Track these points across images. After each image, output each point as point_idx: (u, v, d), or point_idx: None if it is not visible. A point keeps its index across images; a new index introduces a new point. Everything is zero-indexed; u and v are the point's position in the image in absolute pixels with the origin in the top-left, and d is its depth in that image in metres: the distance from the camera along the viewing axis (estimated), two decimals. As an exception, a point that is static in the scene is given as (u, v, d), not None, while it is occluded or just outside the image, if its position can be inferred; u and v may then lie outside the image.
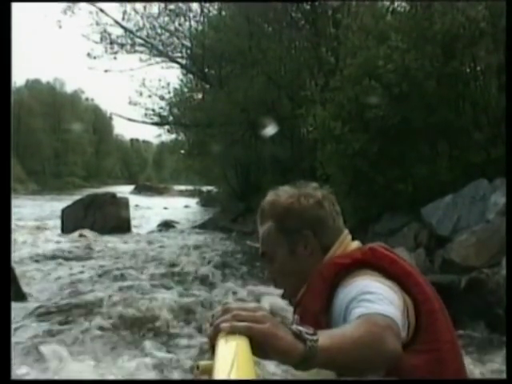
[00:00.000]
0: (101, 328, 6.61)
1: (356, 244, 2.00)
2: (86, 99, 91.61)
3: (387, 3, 12.49)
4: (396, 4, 12.53)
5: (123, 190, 41.17)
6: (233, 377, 1.01)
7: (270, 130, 12.15)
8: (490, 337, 5.75)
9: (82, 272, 10.65)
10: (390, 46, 9.86)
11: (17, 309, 7.37)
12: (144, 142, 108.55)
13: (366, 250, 1.90)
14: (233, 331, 1.22)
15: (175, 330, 6.75)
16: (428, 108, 9.98)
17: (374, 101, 9.83)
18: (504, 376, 4.34)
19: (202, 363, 1.21)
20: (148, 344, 6.15)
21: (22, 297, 8.19)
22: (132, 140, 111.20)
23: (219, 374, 1.03)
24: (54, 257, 12.45)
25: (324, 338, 1.33)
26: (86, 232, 17.04)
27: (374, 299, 1.63)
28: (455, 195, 9.16)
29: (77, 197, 21.49)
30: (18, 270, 9.17)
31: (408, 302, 1.77)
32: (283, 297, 2.13)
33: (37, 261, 11.90)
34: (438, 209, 9.09)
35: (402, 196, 10.00)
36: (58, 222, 19.24)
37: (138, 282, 9.42)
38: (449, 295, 6.48)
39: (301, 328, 1.30)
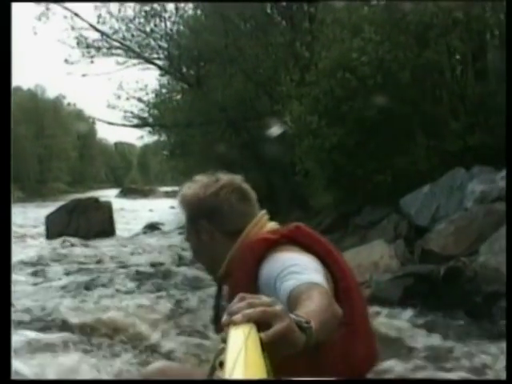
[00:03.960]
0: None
1: (273, 224, 2.17)
2: (68, 104, 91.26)
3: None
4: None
5: (109, 194, 41.08)
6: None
7: (276, 130, 12.07)
8: (470, 325, 5.74)
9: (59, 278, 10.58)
10: (364, 38, 9.86)
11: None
12: (128, 144, 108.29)
13: (292, 228, 2.06)
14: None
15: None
16: (404, 99, 9.99)
17: (350, 93, 9.85)
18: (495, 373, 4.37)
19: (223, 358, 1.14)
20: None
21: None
22: (116, 143, 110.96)
23: (233, 366, 0.99)
24: (35, 264, 12.35)
25: (312, 321, 1.35)
26: (70, 238, 16.95)
27: (301, 270, 1.75)
28: (433, 185, 9.17)
29: (61, 203, 21.35)
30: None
31: (328, 278, 1.87)
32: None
33: (19, 269, 11.79)
34: (417, 199, 9.10)
35: (381, 188, 10.01)
36: (43, 229, 19.13)
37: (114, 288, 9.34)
38: (428, 285, 6.52)
39: (299, 318, 1.32)
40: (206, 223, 2.17)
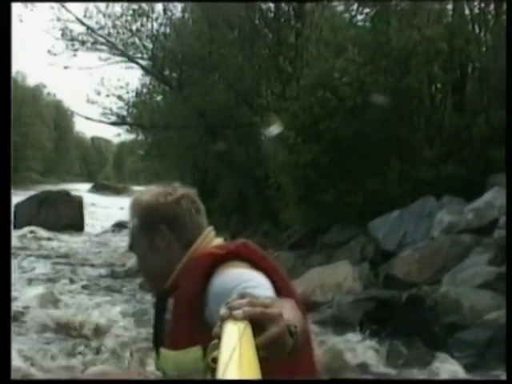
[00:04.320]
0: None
1: (219, 240, 2.15)
2: (48, 94, 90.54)
3: (347, 16, 12.58)
4: (357, 17, 12.66)
5: (81, 188, 40.82)
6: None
7: (274, 129, 12.06)
8: (422, 354, 5.78)
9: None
10: (347, 58, 9.92)
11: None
12: (105, 140, 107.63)
13: (239, 244, 2.04)
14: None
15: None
16: (381, 122, 10.06)
17: (328, 112, 9.89)
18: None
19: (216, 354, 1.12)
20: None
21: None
22: (93, 138, 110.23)
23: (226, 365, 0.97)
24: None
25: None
26: (37, 229, 16.82)
27: (257, 285, 1.75)
28: (402, 211, 9.24)
29: (32, 192, 21.22)
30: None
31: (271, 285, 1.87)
32: (147, 286, 2.31)
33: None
34: (385, 223, 9.16)
35: (351, 208, 10.05)
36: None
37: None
38: (389, 310, 6.57)
39: (290, 323, 1.30)
40: (166, 229, 2.13)
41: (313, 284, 7.72)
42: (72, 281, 9.61)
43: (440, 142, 10.35)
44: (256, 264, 1.98)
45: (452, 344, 5.65)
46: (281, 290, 1.94)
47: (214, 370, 1.03)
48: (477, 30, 10.92)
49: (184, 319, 2.00)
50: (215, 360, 1.08)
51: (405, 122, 10.61)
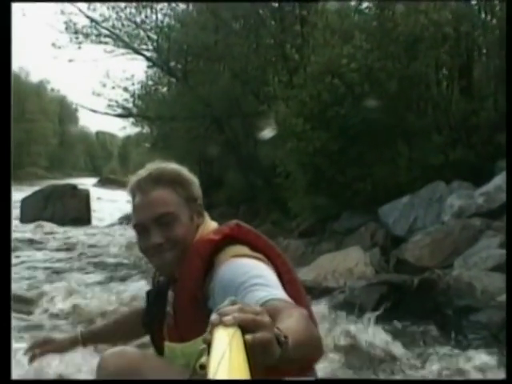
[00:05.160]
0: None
1: (215, 223, 2.15)
2: (52, 90, 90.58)
3: (353, 3, 12.53)
4: (363, 4, 12.60)
5: (87, 182, 40.79)
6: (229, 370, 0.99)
7: (268, 132, 12.05)
8: (439, 335, 5.78)
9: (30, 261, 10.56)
10: (354, 45, 9.89)
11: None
12: (109, 134, 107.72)
13: (233, 226, 2.05)
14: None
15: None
16: (389, 108, 10.04)
17: (336, 99, 9.88)
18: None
19: (204, 360, 1.15)
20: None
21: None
22: (97, 132, 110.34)
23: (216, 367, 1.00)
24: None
25: (289, 338, 1.35)
26: (44, 223, 16.84)
27: (268, 283, 1.75)
28: (412, 196, 9.24)
29: (37, 187, 21.22)
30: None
31: (275, 273, 1.91)
32: (160, 272, 2.19)
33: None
34: (395, 209, 9.16)
35: (360, 195, 10.05)
36: (17, 213, 18.96)
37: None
38: (401, 294, 6.56)
39: (279, 332, 1.32)
40: (201, 206, 2.14)
41: (324, 270, 7.72)
42: (87, 272, 9.64)
43: (448, 127, 10.32)
44: (253, 245, 2.01)
45: (466, 326, 5.65)
46: (279, 266, 2.01)
47: (203, 376, 1.04)
48: (483, 15, 10.90)
49: (187, 312, 1.99)
50: (203, 366, 1.10)
51: (412, 107, 10.60)
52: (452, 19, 9.99)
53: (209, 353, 1.10)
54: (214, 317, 1.21)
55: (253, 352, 1.17)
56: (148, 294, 2.32)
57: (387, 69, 9.79)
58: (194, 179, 2.12)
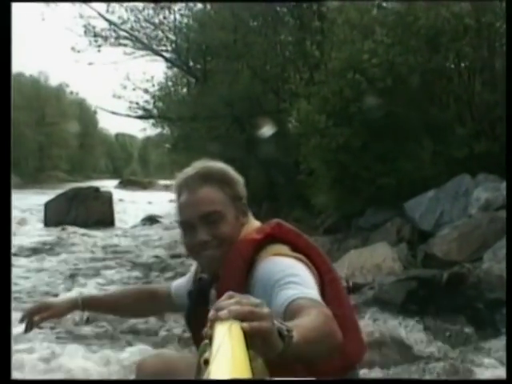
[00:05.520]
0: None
1: (258, 222, 2.14)
2: (71, 93, 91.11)
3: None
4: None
5: (107, 185, 40.97)
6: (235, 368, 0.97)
7: (267, 130, 12.04)
8: (470, 331, 5.74)
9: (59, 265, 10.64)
10: (375, 40, 9.85)
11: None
12: (129, 136, 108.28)
13: (274, 225, 2.05)
14: (251, 330, 1.21)
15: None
16: (412, 102, 9.99)
17: (359, 95, 9.85)
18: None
19: (208, 355, 1.14)
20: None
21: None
22: (117, 134, 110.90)
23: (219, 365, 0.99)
24: (35, 250, 12.37)
25: (295, 333, 1.36)
26: (69, 226, 16.95)
27: (301, 282, 1.76)
28: (438, 190, 9.18)
29: (59, 191, 21.34)
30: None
31: (314, 273, 1.92)
32: (204, 269, 2.16)
33: (16, 254, 11.80)
34: (421, 204, 9.11)
35: (385, 191, 10.00)
36: (41, 216, 19.12)
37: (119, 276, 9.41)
38: (431, 289, 6.53)
39: (281, 325, 1.33)
40: (246, 205, 2.13)
41: (352, 266, 7.70)
42: (118, 272, 9.71)
43: (471, 119, 10.26)
44: (294, 244, 2.01)
45: (499, 320, 5.61)
46: (320, 266, 2.00)
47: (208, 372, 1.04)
48: (504, 4, 10.80)
49: None
50: (207, 361, 1.09)
51: (435, 101, 10.55)
52: (473, 10, 9.92)
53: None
54: (211, 312, 1.22)
55: (252, 342, 1.18)
56: (190, 293, 2.31)
57: (409, 63, 9.74)
58: (239, 178, 2.11)
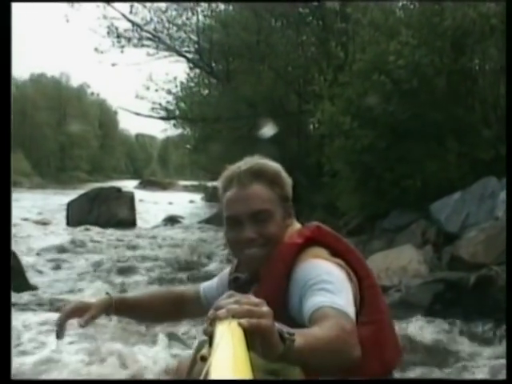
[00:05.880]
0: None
1: (299, 225, 2.10)
2: (92, 94, 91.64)
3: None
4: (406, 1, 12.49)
5: (128, 185, 41.20)
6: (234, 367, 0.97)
7: (268, 130, 12.03)
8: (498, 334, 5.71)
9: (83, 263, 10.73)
10: (401, 41, 9.80)
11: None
12: (149, 137, 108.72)
13: (313, 228, 2.02)
14: (249, 326, 1.21)
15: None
16: (437, 104, 9.93)
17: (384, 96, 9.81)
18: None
19: (205, 352, 1.18)
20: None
21: (30, 288, 8.16)
22: (137, 135, 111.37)
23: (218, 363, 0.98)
24: (59, 250, 12.44)
25: (299, 338, 1.36)
26: (91, 226, 17.04)
27: (334, 290, 1.74)
28: (464, 192, 9.12)
29: (81, 191, 21.49)
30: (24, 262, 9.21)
31: (353, 277, 1.90)
32: (247, 266, 2.09)
33: (39, 254, 11.89)
34: (447, 205, 9.05)
35: (410, 193, 9.96)
36: (63, 216, 19.25)
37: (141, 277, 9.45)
38: (458, 292, 6.48)
39: (283, 329, 1.33)
40: (292, 207, 2.10)
41: (377, 268, 7.64)
42: (141, 274, 9.76)
43: (496, 121, 10.18)
44: (333, 248, 1.99)
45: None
46: (359, 271, 1.97)
47: (202, 367, 1.03)
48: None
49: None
50: (204, 358, 1.12)
51: (461, 102, 10.48)
52: (499, 11, 9.84)
53: (210, 345, 1.12)
54: (210, 311, 1.23)
55: (251, 340, 1.18)
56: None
57: (434, 64, 9.68)
58: (289, 179, 2.08)
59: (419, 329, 5.53)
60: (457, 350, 5.11)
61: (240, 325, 1.19)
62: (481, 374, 4.54)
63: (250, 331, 1.20)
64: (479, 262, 7.41)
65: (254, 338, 1.22)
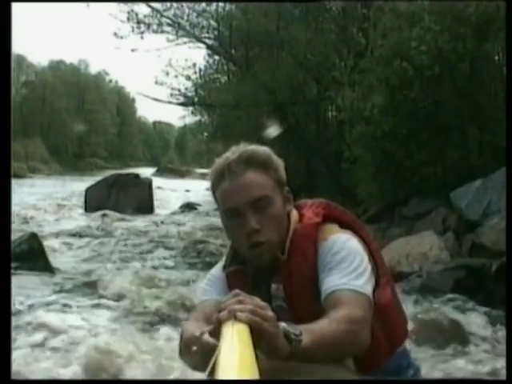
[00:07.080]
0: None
1: (303, 201, 2.12)
2: (110, 81, 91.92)
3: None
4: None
5: (145, 172, 41.30)
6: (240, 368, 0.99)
7: (273, 130, 12.00)
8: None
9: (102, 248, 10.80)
10: (423, 27, 9.70)
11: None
12: (166, 124, 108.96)
13: (325, 205, 2.04)
14: (249, 322, 1.23)
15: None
16: (459, 91, 9.85)
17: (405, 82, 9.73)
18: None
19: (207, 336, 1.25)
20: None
21: (50, 270, 8.22)
22: (155, 122, 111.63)
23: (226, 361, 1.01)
24: (77, 234, 12.52)
25: (306, 337, 1.39)
26: (109, 212, 17.12)
27: (352, 268, 1.79)
28: (485, 180, 9.04)
29: (98, 178, 21.60)
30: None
31: (363, 245, 1.95)
32: (254, 260, 1.94)
33: (57, 236, 11.99)
34: (468, 193, 8.98)
35: (430, 180, 9.91)
36: (81, 202, 19.37)
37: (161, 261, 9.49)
38: (480, 278, 6.45)
39: (289, 329, 1.36)
40: (289, 191, 2.02)
41: (398, 254, 7.64)
42: (162, 258, 9.81)
43: (520, 109, 10.08)
44: (341, 220, 2.02)
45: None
46: (365, 237, 2.03)
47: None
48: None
49: (305, 299, 1.88)
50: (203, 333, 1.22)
51: (483, 89, 10.39)
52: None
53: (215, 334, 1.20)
54: (214, 315, 1.26)
55: (257, 340, 1.20)
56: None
57: (457, 50, 9.57)
58: (281, 162, 1.98)
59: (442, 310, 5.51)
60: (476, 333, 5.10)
61: (240, 319, 1.20)
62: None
63: (255, 330, 1.21)
64: (501, 249, 7.36)
65: (260, 340, 1.23)
